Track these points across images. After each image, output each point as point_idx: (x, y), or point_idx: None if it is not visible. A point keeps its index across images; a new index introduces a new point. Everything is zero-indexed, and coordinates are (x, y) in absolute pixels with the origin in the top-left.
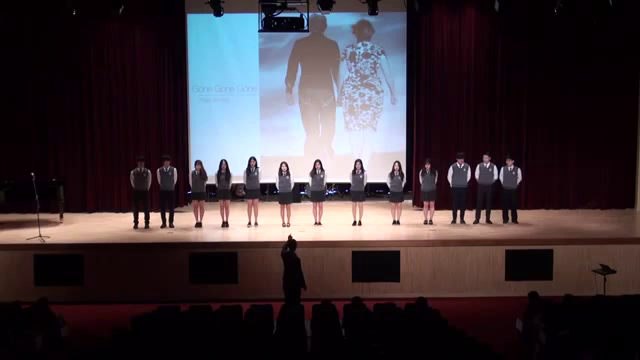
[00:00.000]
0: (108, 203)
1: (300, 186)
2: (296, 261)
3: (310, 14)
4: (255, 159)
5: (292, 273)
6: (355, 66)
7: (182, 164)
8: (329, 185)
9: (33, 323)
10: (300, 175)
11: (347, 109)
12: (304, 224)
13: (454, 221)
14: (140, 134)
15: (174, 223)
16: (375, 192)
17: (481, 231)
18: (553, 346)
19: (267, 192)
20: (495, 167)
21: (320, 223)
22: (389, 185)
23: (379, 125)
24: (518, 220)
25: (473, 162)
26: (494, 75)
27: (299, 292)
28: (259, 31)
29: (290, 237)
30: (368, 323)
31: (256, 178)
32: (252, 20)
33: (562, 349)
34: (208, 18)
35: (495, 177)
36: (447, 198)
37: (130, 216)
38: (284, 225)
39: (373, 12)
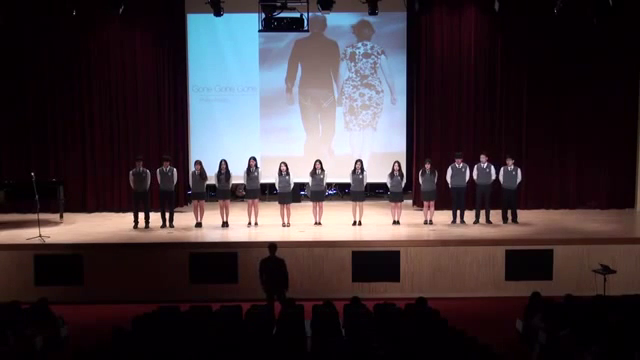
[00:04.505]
0: (108, 203)
1: (300, 186)
2: (280, 261)
3: (310, 14)
4: (255, 159)
5: (276, 276)
6: (355, 66)
7: (182, 164)
8: (329, 185)
9: (33, 323)
10: (300, 175)
11: (347, 109)
12: (304, 224)
13: (454, 221)
14: (140, 134)
15: (174, 223)
16: (375, 192)
17: (481, 231)
18: (553, 346)
19: (267, 192)
20: (493, 167)
21: (320, 223)
22: (389, 185)
23: (379, 125)
24: (518, 220)
25: (474, 162)
26: (494, 75)
27: (284, 293)
28: (259, 31)
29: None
30: (368, 323)
31: (256, 178)
32: (252, 20)
33: (562, 349)
34: (208, 18)
35: (493, 177)
36: (447, 198)
37: (130, 216)
38: (284, 225)
39: (373, 12)
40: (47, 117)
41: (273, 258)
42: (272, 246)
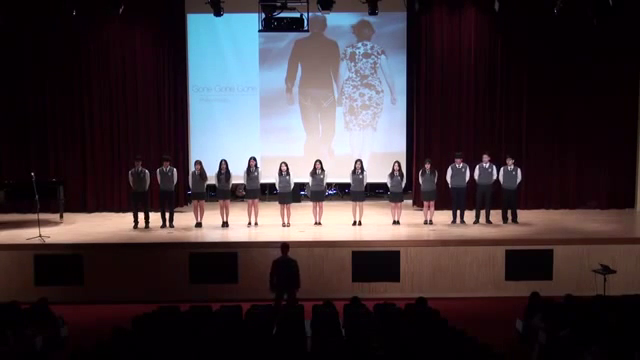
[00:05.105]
0: (108, 203)
1: (300, 186)
2: (293, 262)
3: (310, 14)
4: (255, 159)
5: (288, 276)
6: (355, 66)
7: (182, 164)
8: (329, 185)
9: (33, 323)
10: (300, 175)
11: (347, 109)
12: (304, 224)
13: (454, 221)
14: (140, 134)
15: (174, 223)
16: (375, 192)
17: (481, 231)
18: (553, 346)
19: (267, 192)
20: (494, 167)
21: (320, 223)
22: (389, 185)
23: (379, 125)
24: (518, 220)
25: (474, 162)
26: (494, 75)
27: (294, 293)
28: (259, 31)
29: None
30: (368, 323)
31: (256, 178)
32: (252, 20)
33: (562, 349)
34: (208, 18)
35: (494, 177)
36: (447, 198)
37: (130, 216)
38: (284, 225)
39: (373, 12)
40: (47, 117)
41: (285, 258)
42: (284, 246)
